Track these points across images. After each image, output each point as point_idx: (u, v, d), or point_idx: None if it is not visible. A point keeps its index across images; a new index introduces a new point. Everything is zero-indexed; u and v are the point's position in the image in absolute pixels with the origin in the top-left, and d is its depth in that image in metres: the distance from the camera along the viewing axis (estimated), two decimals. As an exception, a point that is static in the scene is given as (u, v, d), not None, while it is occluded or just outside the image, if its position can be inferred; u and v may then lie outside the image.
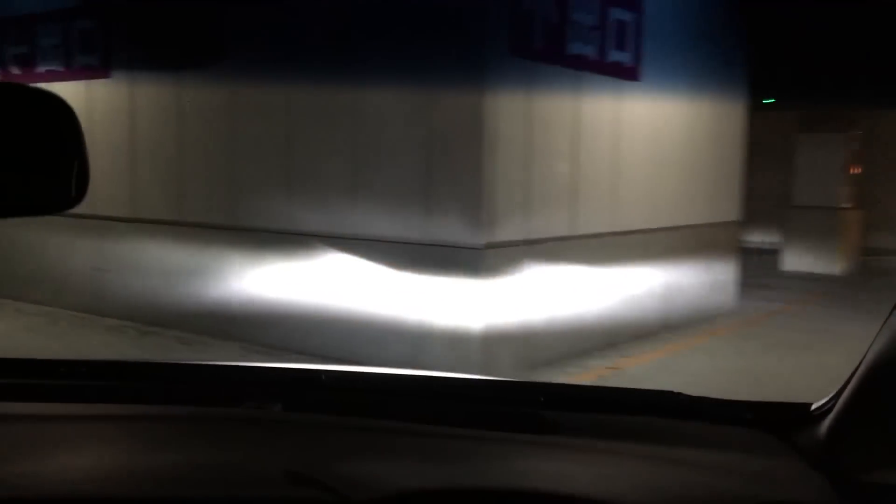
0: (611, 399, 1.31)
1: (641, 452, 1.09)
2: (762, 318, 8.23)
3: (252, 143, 6.57)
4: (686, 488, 1.01)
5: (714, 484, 1.02)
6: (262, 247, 6.47)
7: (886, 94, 10.95)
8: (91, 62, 7.46)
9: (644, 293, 7.06)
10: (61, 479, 0.97)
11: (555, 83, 6.01)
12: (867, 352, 1.01)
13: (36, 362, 1.33)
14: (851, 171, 12.01)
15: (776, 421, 1.14)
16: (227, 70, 6.57)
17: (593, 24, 6.22)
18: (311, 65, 6.19)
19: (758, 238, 13.52)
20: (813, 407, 1.10)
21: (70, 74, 7.62)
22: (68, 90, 7.68)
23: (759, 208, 12.33)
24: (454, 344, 5.59)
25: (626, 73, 6.62)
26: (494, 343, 5.60)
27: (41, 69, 7.83)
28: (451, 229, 5.60)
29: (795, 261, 11.88)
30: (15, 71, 8.05)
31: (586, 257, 6.39)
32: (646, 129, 7.01)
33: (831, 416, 1.03)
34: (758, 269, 10.84)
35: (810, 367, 6.10)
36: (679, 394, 1.22)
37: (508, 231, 5.70)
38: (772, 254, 12.33)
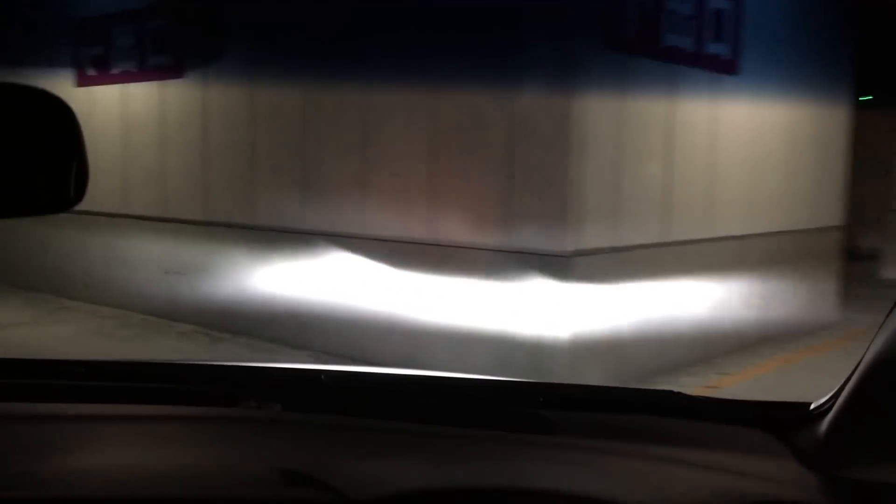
0: (611, 399, 1.31)
1: (641, 452, 1.08)
2: (868, 331, 7.56)
3: (325, 145, 6.32)
4: (685, 488, 1.00)
5: (713, 483, 1.01)
6: (336, 252, 6.22)
7: None
8: (164, 62, 7.35)
9: (740, 304, 6.54)
10: (61, 479, 0.96)
11: (648, 78, 5.57)
12: (867, 350, 0.99)
13: (36, 362, 1.33)
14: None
15: (775, 420, 1.12)
16: (301, 70, 6.33)
17: (690, 13, 5.75)
18: (387, 63, 5.89)
19: (857, 243, 12.70)
20: (812, 406, 1.09)
21: (143, 75, 7.53)
22: (141, 91, 7.59)
23: (858, 212, 11.55)
24: (538, 356, 5.22)
25: (724, 67, 6.12)
26: (580, 356, 5.21)
27: (115, 70, 7.77)
28: (534, 236, 5.23)
29: (897, 268, 11.08)
30: (91, 72, 8.02)
31: (679, 265, 5.92)
32: (744, 127, 6.49)
33: (831, 415, 1.02)
34: (858, 277, 10.11)
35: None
36: (679, 393, 1.20)
37: (596, 238, 5.30)
38: (871, 259, 11.53)
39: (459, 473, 1.03)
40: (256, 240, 6.76)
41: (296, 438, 1.12)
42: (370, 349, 5.90)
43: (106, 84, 7.90)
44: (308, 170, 6.41)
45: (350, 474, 0.98)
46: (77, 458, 1.03)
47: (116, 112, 7.89)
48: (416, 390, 1.33)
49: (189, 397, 1.24)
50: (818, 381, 5.69)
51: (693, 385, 5.54)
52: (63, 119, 0.99)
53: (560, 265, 5.14)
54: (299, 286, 6.46)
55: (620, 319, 5.45)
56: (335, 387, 1.30)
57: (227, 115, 7.00)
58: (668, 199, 5.82)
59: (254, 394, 1.22)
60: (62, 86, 8.24)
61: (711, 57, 5.99)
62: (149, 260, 7.64)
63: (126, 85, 7.73)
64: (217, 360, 1.85)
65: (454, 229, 5.57)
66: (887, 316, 0.99)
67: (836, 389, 1.04)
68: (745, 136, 6.52)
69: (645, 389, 1.38)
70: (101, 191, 8.09)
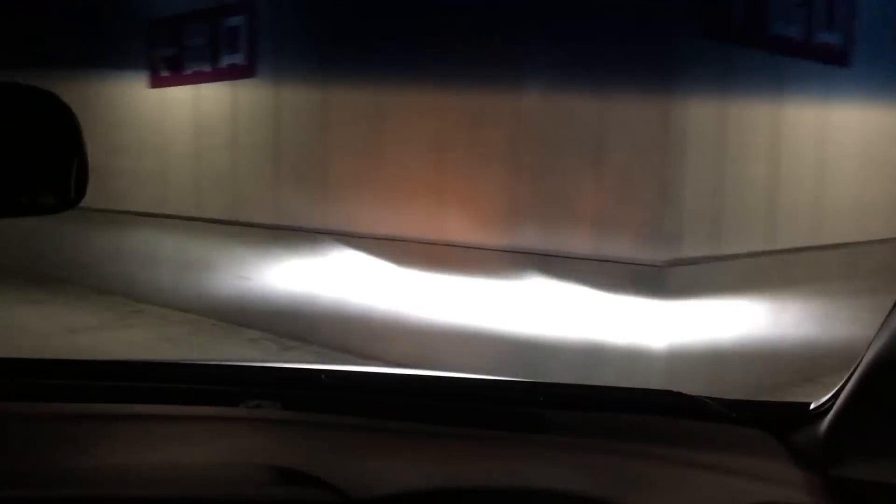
0: (611, 399, 1.31)
1: (641, 452, 1.07)
2: None
3: (399, 149, 6.01)
4: (685, 487, 1.00)
5: (713, 483, 1.01)
6: (411, 259, 5.90)
7: None
8: (236, 62, 7.16)
9: (850, 317, 5.96)
10: (61, 479, 0.96)
11: (753, 71, 5.08)
12: (866, 350, 0.98)
13: (37, 362, 1.33)
14: None
15: (775, 420, 1.12)
16: (376, 69, 6.04)
17: (799, -1, 5.24)
18: (465, 62, 5.54)
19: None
20: (812, 406, 1.08)
21: (215, 75, 7.37)
22: (212, 92, 7.43)
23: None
24: (629, 373, 4.79)
25: (836, 58, 5.57)
26: (676, 374, 4.76)
27: (187, 71, 7.63)
28: (627, 244, 4.81)
29: None
30: (163, 73, 7.91)
31: (784, 275, 5.40)
32: (856, 124, 5.91)
33: (830, 415, 1.02)
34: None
35: None
36: (679, 393, 1.21)
37: (694, 246, 4.84)
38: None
39: (459, 473, 1.02)
40: (327, 245, 6.50)
41: (296, 438, 1.12)
42: (448, 361, 5.56)
43: (178, 85, 7.78)
44: (381, 173, 6.11)
45: (350, 474, 0.97)
46: (76, 458, 1.02)
47: (188, 113, 7.76)
48: (416, 390, 1.33)
49: (189, 397, 1.23)
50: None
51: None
52: (63, 119, 0.99)
53: (655, 276, 4.70)
54: (372, 294, 6.17)
55: (720, 334, 4.98)
56: (335, 386, 1.29)
57: (298, 117, 6.76)
58: (773, 203, 5.31)
59: (254, 393, 1.21)
60: (136, 88, 8.17)
61: (822, 47, 5.45)
62: (219, 264, 7.48)
63: (198, 86, 7.59)
64: (218, 360, 1.86)
65: (538, 237, 5.18)
66: (887, 316, 0.98)
67: (835, 389, 1.03)
68: (858, 133, 5.94)
69: (645, 389, 1.30)
70: (173, 193, 7.98)
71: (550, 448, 1.10)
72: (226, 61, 7.25)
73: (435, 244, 5.72)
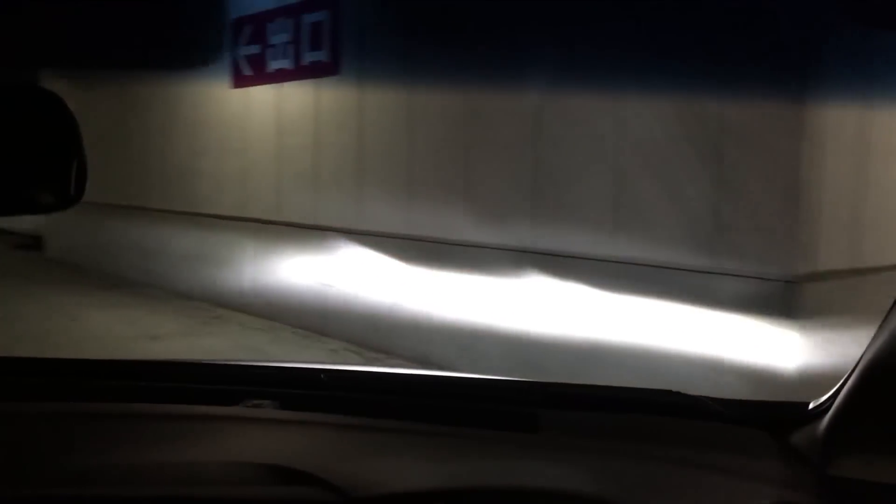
0: (610, 398, 1.30)
1: (641, 452, 1.07)
2: None
3: (490, 154, 5.57)
4: (684, 487, 1.00)
5: (712, 483, 1.00)
6: (505, 267, 5.46)
7: None
8: (319, 59, 6.86)
9: None
10: (60, 478, 0.96)
11: (899, 57, 4.44)
12: (865, 350, 0.99)
13: (37, 361, 1.34)
14: None
15: (774, 420, 1.12)
16: (466, 68, 5.61)
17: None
18: (566, 64, 5.05)
19: None
20: (811, 406, 1.08)
21: (297, 73, 7.08)
22: (294, 92, 7.15)
23: None
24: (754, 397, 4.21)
25: None
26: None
27: (269, 70, 7.38)
28: (752, 256, 4.24)
29: None
30: (245, 72, 7.68)
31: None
32: None
33: (829, 414, 1.02)
34: None
35: None
36: (678, 393, 1.20)
37: (832, 258, 4.24)
38: None
39: (459, 473, 1.02)
40: (413, 251, 6.11)
41: (296, 437, 1.12)
42: (548, 378, 5.07)
43: (259, 84, 7.54)
44: (469, 178, 5.68)
45: (350, 473, 0.97)
46: (75, 457, 1.02)
47: (270, 114, 7.51)
48: (416, 390, 1.33)
49: (189, 396, 1.23)
50: None
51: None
52: (63, 118, 1.00)
53: (786, 291, 4.12)
54: (461, 304, 5.75)
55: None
56: (335, 386, 1.29)
57: (383, 116, 6.40)
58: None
59: (254, 392, 1.21)
60: (217, 88, 7.98)
61: (979, 30, 4.75)
62: (300, 269, 7.19)
63: (280, 85, 7.33)
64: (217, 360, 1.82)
65: (647, 246, 4.66)
66: (886, 316, 0.98)
67: (834, 389, 1.03)
68: None
69: (645, 389, 1.23)
70: (253, 196, 7.74)
71: (550, 448, 1.10)
72: (308, 59, 6.96)
73: (528, 252, 5.25)
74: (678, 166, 4.57)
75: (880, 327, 0.99)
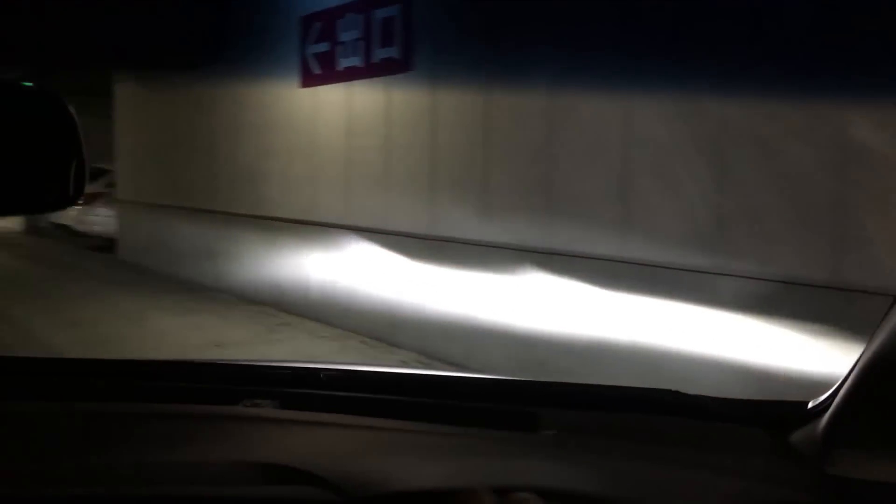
0: (610, 398, 1.29)
1: (640, 451, 1.07)
2: None
3: (576, 158, 5.16)
4: (684, 487, 1.00)
5: (711, 482, 1.01)
6: (588, 276, 5.04)
7: None
8: (391, 55, 6.55)
9: None
10: (60, 477, 0.95)
11: None
12: (865, 348, 0.99)
13: (37, 361, 1.35)
14: None
15: (774, 418, 1.11)
16: (552, 64, 5.22)
17: None
18: (665, 65, 4.61)
19: None
20: (810, 405, 1.08)
21: (368, 70, 6.79)
22: (364, 91, 6.86)
23: None
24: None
25: None
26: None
27: (340, 66, 7.11)
28: (876, 267, 3.74)
29: None
30: (314, 70, 7.44)
31: None
32: None
33: (828, 413, 1.02)
34: None
35: None
36: (677, 392, 1.19)
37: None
38: None
39: (459, 473, 1.01)
40: (488, 258, 5.75)
41: (295, 437, 1.11)
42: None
43: (329, 83, 7.28)
44: (552, 183, 5.28)
45: (349, 473, 0.95)
46: (75, 456, 1.01)
47: (339, 114, 7.25)
48: (415, 390, 1.31)
49: (188, 395, 1.23)
50: None
51: None
52: (62, 117, 0.99)
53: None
54: (541, 316, 5.36)
55: None
56: (334, 385, 1.27)
57: (458, 116, 6.05)
58: None
59: (253, 392, 1.21)
60: (286, 88, 7.77)
61: None
62: (369, 276, 6.90)
63: (349, 84, 7.05)
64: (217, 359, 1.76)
65: (758, 258, 4.19)
66: (885, 315, 0.98)
67: (833, 388, 1.02)
68: None
69: (644, 388, 1.21)
70: (322, 199, 7.50)
71: (550, 447, 1.10)
72: (379, 56, 6.66)
73: (624, 262, 4.82)
74: (787, 174, 4.08)
75: (879, 326, 0.99)
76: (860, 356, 0.99)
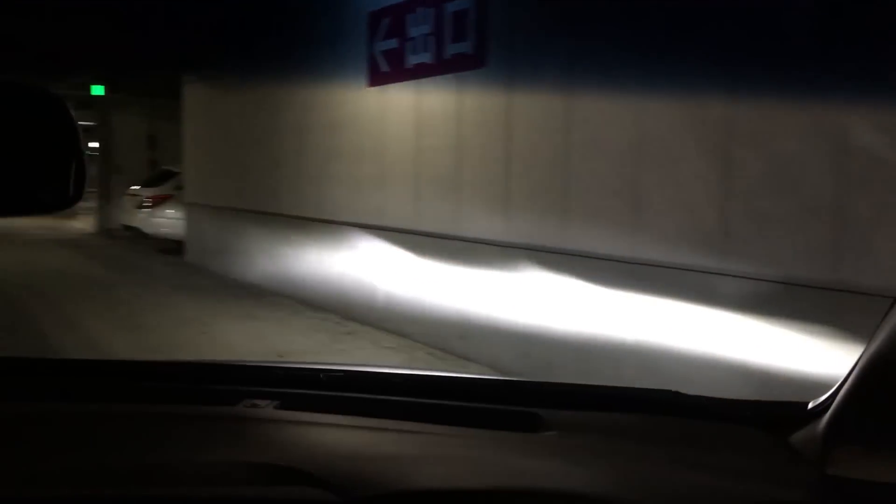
0: (611, 398, 1.30)
1: (640, 451, 1.07)
2: None
3: (664, 164, 4.69)
4: (684, 487, 0.99)
5: (711, 482, 1.00)
6: (674, 287, 4.58)
7: None
8: (463, 51, 6.18)
9: None
10: (59, 478, 0.95)
11: None
12: (865, 349, 0.98)
13: (38, 361, 1.35)
14: None
15: (774, 419, 1.11)
16: (641, 65, 4.77)
17: None
18: (768, 70, 4.13)
19: None
20: (810, 405, 1.07)
21: (439, 67, 6.43)
22: (435, 87, 6.51)
23: None
24: None
25: None
26: None
27: (408, 63, 6.77)
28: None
29: None
30: (383, 68, 7.12)
31: None
32: None
33: (828, 414, 1.01)
34: None
35: None
36: (678, 392, 1.20)
37: None
38: None
39: (459, 473, 1.00)
40: (565, 266, 5.32)
41: (295, 437, 1.11)
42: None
43: (397, 81, 6.95)
44: (636, 190, 4.82)
45: (349, 473, 0.96)
46: (75, 457, 1.01)
47: (408, 114, 6.91)
48: (415, 390, 1.30)
49: (189, 396, 1.23)
50: None
51: None
52: (62, 118, 1.00)
53: None
54: (623, 328, 4.90)
55: None
56: (334, 386, 1.27)
57: (534, 115, 5.63)
58: None
59: (254, 392, 1.21)
60: (355, 87, 7.48)
61: None
62: (438, 284, 6.54)
63: (419, 82, 6.70)
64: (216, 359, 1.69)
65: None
66: (885, 315, 0.98)
67: (833, 388, 1.02)
68: None
69: (645, 389, 1.21)
70: (390, 203, 7.17)
71: (550, 448, 1.09)
72: (450, 51, 6.30)
73: (723, 275, 4.34)
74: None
75: (879, 326, 0.98)
76: (860, 356, 0.99)
